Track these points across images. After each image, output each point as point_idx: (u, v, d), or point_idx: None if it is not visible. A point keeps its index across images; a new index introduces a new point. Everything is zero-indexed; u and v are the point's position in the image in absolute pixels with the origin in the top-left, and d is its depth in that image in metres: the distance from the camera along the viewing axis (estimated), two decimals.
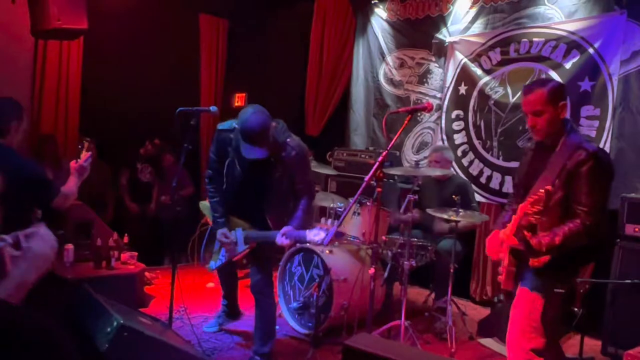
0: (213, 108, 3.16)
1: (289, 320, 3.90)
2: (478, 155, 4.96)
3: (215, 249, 3.35)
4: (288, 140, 3.03)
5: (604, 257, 3.92)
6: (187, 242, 5.22)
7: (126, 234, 4.45)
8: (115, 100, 5.72)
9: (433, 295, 4.30)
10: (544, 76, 4.50)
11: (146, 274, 4.55)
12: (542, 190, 2.16)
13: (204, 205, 3.51)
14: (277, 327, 3.71)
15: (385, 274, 3.93)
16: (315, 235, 2.85)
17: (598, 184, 2.26)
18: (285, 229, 2.98)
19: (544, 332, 2.35)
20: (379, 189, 2.77)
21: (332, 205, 4.23)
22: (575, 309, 3.88)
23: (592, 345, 3.71)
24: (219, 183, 3.18)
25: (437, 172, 4.18)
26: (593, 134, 4.21)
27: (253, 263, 3.27)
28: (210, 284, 4.81)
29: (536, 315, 2.35)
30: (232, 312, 3.88)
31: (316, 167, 4.76)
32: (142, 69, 5.97)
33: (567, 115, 2.52)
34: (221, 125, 3.15)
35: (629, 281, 3.40)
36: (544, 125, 2.39)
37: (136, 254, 4.28)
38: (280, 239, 2.97)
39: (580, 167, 2.26)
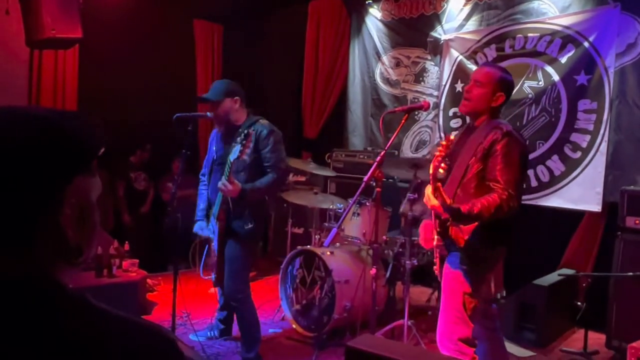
0: (209, 113, 3.16)
1: (292, 323, 3.90)
2: None
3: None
4: (260, 120, 3.18)
5: (606, 250, 3.93)
6: (189, 248, 5.21)
7: (127, 242, 4.45)
8: (112, 108, 5.71)
9: (436, 293, 4.29)
10: (540, 72, 4.50)
11: (148, 280, 4.55)
12: (453, 137, 2.29)
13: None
14: (280, 329, 3.70)
15: (387, 274, 3.93)
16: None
17: (511, 160, 2.34)
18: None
19: (469, 320, 2.43)
20: (378, 189, 2.77)
21: (331, 206, 4.23)
22: (579, 303, 3.88)
23: (596, 339, 3.71)
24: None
25: None
26: (590, 127, 4.21)
27: (226, 269, 3.18)
28: (213, 290, 4.80)
29: (460, 304, 2.41)
30: (227, 326, 3.70)
31: (315, 169, 4.76)
32: (138, 76, 5.96)
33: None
34: None
35: (631, 274, 3.40)
36: (474, 97, 2.51)
37: (137, 261, 4.27)
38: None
39: (494, 145, 2.38)
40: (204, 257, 3.37)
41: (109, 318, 0.74)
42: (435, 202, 2.24)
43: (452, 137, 2.29)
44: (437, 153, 2.25)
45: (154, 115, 5.51)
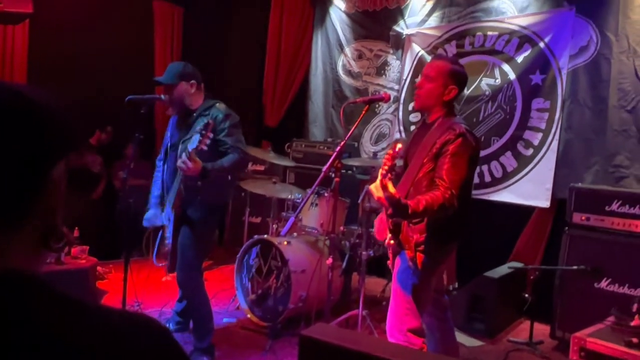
0: (164, 96, 3.07)
1: (247, 313, 3.87)
2: None
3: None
4: (217, 104, 3.10)
5: (553, 244, 4.08)
6: (142, 236, 5.09)
7: (76, 228, 4.28)
8: (64, 88, 5.47)
9: (390, 284, 4.35)
10: (497, 70, 4.60)
11: (98, 268, 4.40)
12: (399, 147, 2.22)
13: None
14: (235, 319, 3.66)
15: (344, 265, 3.95)
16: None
17: (459, 161, 2.35)
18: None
19: (417, 311, 2.45)
20: (336, 179, 2.77)
21: (290, 196, 4.21)
22: (526, 295, 4.02)
23: (542, 329, 3.86)
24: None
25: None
26: (543, 125, 4.34)
27: (178, 257, 3.10)
28: (166, 278, 4.71)
29: (410, 296, 2.44)
30: (185, 319, 3.55)
31: (274, 159, 4.72)
32: (93, 56, 5.73)
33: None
34: None
35: (575, 267, 3.54)
36: (423, 93, 2.52)
37: (87, 247, 4.12)
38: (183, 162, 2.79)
39: (447, 145, 2.38)
40: (157, 243, 3.27)
41: (94, 311, 0.71)
42: (381, 194, 2.18)
43: (398, 147, 2.20)
44: (384, 161, 2.19)
45: (108, 97, 5.31)
